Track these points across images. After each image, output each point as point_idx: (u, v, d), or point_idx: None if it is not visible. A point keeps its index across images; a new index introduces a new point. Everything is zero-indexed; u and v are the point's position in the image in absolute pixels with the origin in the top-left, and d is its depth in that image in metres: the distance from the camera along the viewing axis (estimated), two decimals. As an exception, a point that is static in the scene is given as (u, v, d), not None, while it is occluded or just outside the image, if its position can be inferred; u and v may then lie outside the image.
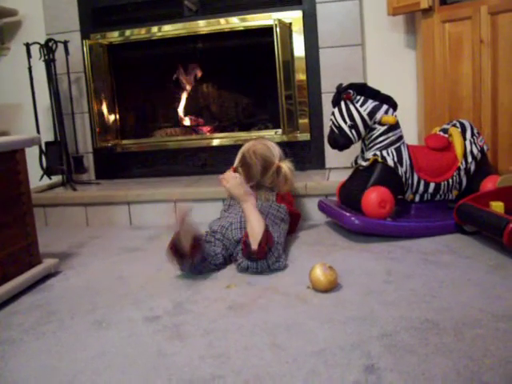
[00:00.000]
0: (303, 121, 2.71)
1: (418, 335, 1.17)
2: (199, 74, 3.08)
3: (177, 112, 3.14)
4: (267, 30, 2.56)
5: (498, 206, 1.79)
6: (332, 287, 1.46)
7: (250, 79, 2.99)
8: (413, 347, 1.12)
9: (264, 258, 1.63)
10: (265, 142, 2.12)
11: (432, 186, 2.01)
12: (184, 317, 1.37)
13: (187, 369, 1.10)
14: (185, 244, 1.57)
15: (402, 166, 1.96)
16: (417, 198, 2.03)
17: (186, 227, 1.58)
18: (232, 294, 1.50)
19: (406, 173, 1.97)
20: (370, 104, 1.96)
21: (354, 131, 1.96)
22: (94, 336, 1.30)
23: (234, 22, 2.72)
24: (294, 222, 2.09)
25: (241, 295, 1.49)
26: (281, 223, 1.90)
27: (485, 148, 2.08)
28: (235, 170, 2.03)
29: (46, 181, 2.82)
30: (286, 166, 2.04)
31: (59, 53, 2.75)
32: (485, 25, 2.14)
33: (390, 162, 1.94)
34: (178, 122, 3.14)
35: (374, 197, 1.90)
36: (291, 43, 2.66)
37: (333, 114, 2.01)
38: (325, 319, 1.29)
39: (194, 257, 1.61)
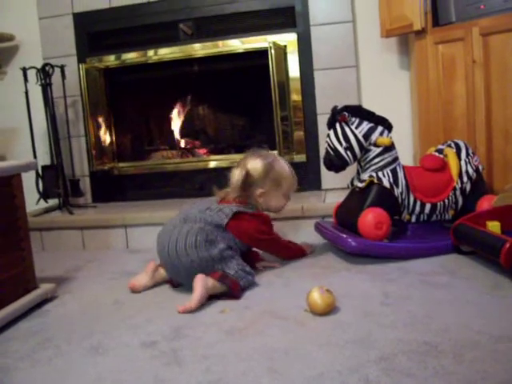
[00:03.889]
0: (299, 142, 2.72)
1: (417, 358, 1.16)
2: (195, 96, 3.10)
3: (173, 134, 3.15)
4: (262, 53, 2.58)
5: (494, 226, 1.79)
6: (329, 310, 1.45)
7: (246, 101, 3.01)
8: (411, 370, 1.11)
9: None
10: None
11: (428, 206, 2.01)
12: (181, 342, 1.36)
13: (184, 395, 1.10)
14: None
15: (397, 187, 1.96)
16: (413, 219, 2.03)
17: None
18: (229, 319, 1.49)
19: (402, 194, 1.97)
20: (366, 126, 1.97)
21: (349, 153, 1.97)
22: (90, 362, 1.29)
23: (230, 45, 2.74)
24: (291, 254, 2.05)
25: (238, 319, 1.48)
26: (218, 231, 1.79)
27: (480, 168, 2.09)
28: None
29: (43, 204, 2.81)
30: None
31: (56, 77, 2.77)
32: (477, 46, 2.16)
33: (386, 184, 1.95)
34: (174, 145, 3.15)
35: (371, 218, 1.90)
36: (286, 65, 2.68)
37: (328, 136, 2.02)
38: (323, 343, 1.28)
39: None
